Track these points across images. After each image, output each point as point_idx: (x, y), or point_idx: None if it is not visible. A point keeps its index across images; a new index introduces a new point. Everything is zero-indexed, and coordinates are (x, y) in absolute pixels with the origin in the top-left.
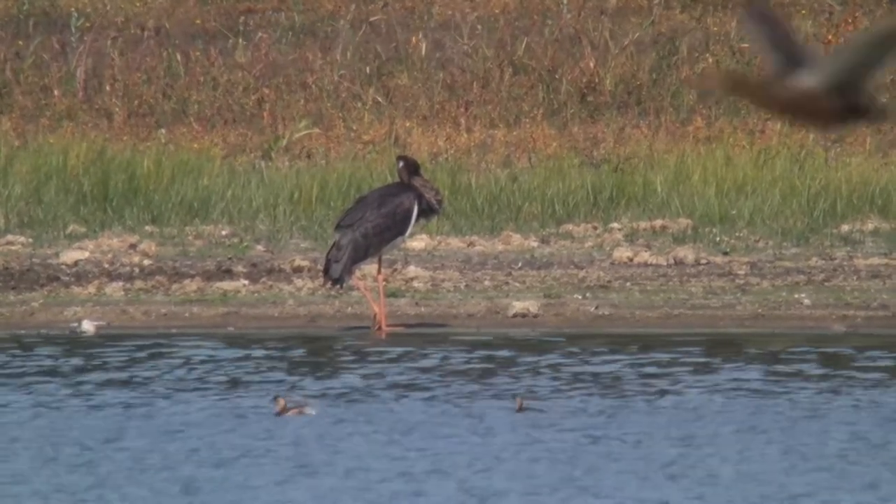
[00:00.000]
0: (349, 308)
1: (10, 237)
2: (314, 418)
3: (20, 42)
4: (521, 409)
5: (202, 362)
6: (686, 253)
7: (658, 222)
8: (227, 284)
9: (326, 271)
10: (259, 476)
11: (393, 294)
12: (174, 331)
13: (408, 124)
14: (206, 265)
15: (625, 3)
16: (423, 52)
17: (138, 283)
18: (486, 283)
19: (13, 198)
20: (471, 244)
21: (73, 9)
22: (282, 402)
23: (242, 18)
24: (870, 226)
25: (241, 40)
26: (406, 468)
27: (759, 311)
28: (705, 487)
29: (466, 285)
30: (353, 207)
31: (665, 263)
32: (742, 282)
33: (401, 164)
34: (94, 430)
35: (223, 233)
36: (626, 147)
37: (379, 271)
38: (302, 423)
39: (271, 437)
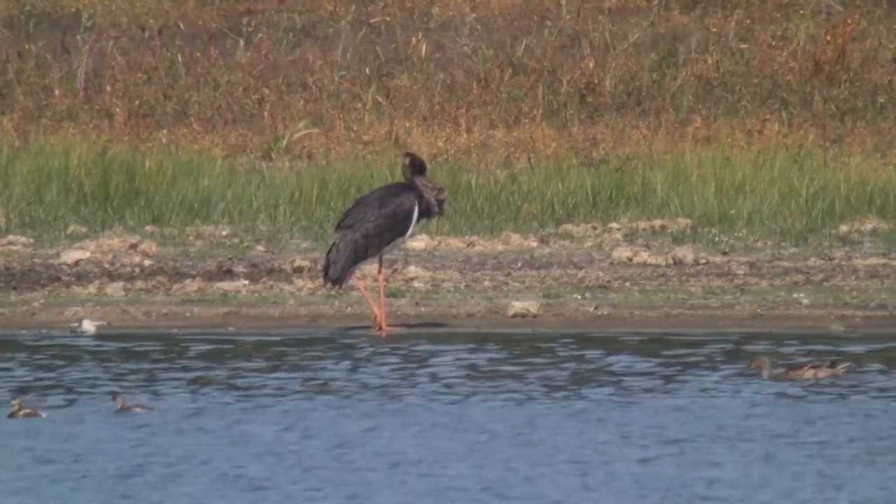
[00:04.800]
0: (349, 308)
1: (11, 237)
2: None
3: (23, 43)
4: (122, 409)
5: (203, 362)
6: (685, 253)
7: (657, 222)
8: (227, 284)
9: (326, 271)
10: (250, 476)
11: (393, 294)
12: (175, 331)
13: (408, 125)
14: (206, 265)
15: (624, 4)
16: (423, 52)
17: (139, 284)
18: (486, 283)
19: (14, 198)
20: (471, 244)
21: (75, 9)
22: (15, 403)
23: (243, 19)
24: (868, 226)
25: (241, 41)
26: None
27: (758, 310)
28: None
29: (466, 285)
30: (354, 208)
31: (664, 263)
32: (741, 282)
33: (406, 161)
34: (93, 430)
35: (224, 233)
36: (626, 147)
37: (379, 271)
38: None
39: (266, 434)
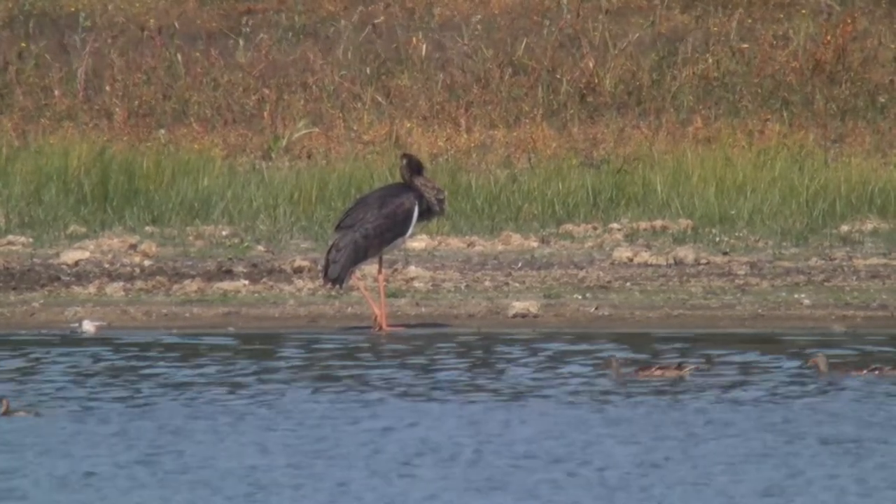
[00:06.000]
0: (349, 308)
1: (10, 237)
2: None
3: (22, 43)
4: (6, 413)
5: (204, 362)
6: (686, 253)
7: (658, 222)
8: (227, 285)
9: (326, 271)
10: (248, 476)
11: (393, 294)
12: (175, 331)
13: (408, 125)
14: (206, 265)
15: (625, 4)
16: (424, 52)
17: (139, 284)
18: (487, 283)
19: (14, 198)
20: (471, 244)
21: (74, 9)
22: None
23: (243, 19)
24: (869, 226)
25: (241, 41)
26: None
27: (759, 311)
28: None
29: (467, 285)
30: (354, 208)
31: (665, 263)
32: (742, 282)
33: (403, 161)
34: (93, 431)
35: (223, 233)
36: (626, 147)
37: (379, 271)
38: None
39: (268, 434)
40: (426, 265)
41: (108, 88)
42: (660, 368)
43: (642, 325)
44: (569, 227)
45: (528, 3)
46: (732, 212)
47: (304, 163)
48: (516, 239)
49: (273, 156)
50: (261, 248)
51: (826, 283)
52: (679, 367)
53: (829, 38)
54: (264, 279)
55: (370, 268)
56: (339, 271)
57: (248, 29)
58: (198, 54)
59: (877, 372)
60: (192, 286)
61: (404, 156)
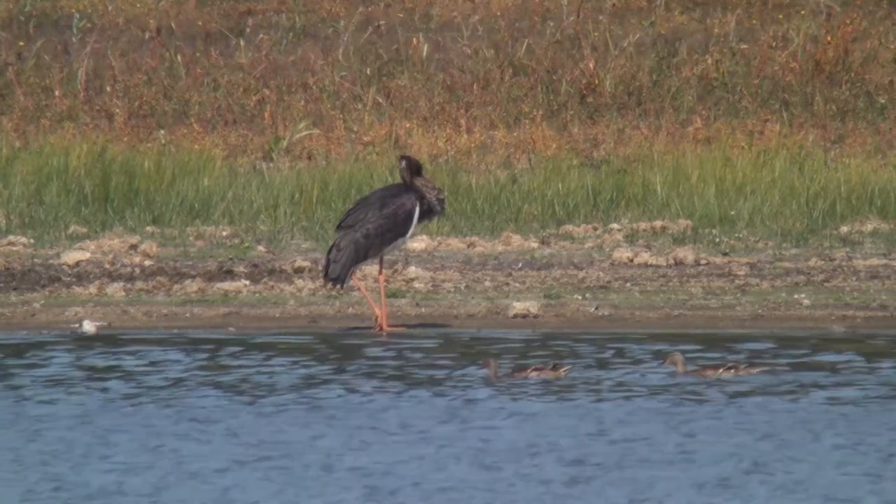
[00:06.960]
0: (350, 308)
1: (11, 238)
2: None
3: (21, 43)
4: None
5: (203, 362)
6: (686, 254)
7: (658, 223)
8: (228, 285)
9: (326, 271)
10: (256, 474)
11: (394, 294)
12: (175, 331)
13: (408, 125)
14: (207, 266)
15: (624, 4)
16: (424, 53)
17: (139, 284)
18: (487, 283)
19: (14, 198)
20: (471, 245)
21: (74, 10)
22: None
23: (243, 19)
24: (869, 226)
25: (241, 41)
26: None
27: (759, 311)
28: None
29: (467, 286)
30: (355, 208)
31: (665, 264)
32: (742, 282)
33: (403, 163)
34: (93, 430)
35: (224, 233)
36: (626, 148)
37: (380, 272)
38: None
39: (270, 434)
40: (426, 266)
41: (108, 89)
42: (535, 370)
43: (642, 326)
44: (569, 227)
45: (528, 4)
46: (732, 212)
47: (304, 163)
48: (516, 239)
49: (273, 156)
50: (261, 248)
51: (826, 284)
52: (555, 367)
53: (828, 38)
54: (265, 279)
55: (371, 268)
56: (339, 271)
57: (248, 29)
58: (198, 55)
59: (732, 371)
60: (192, 286)
61: (403, 157)
